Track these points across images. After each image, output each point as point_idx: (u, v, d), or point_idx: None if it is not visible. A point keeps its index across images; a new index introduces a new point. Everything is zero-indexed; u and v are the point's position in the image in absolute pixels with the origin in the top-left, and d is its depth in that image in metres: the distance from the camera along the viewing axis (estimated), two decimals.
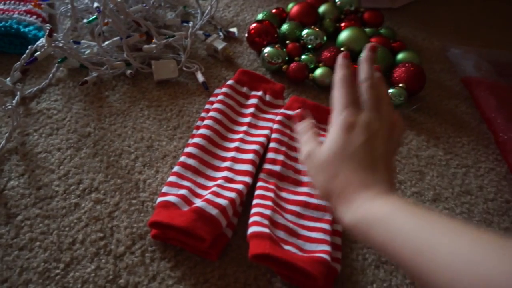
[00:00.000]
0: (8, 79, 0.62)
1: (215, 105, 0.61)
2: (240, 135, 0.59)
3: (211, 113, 0.60)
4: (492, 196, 0.61)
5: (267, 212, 0.48)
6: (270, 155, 0.56)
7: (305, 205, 0.51)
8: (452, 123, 0.72)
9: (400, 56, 0.77)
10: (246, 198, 0.52)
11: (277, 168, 0.55)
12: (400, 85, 0.70)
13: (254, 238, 0.45)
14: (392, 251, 0.32)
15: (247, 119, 0.61)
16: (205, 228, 0.44)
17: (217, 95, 0.64)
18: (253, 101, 0.64)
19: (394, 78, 0.72)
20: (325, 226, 0.49)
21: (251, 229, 0.46)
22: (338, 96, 0.41)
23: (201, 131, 0.57)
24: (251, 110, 0.63)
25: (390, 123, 0.41)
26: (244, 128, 0.60)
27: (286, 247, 0.45)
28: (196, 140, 0.56)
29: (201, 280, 0.45)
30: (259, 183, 0.53)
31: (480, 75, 0.81)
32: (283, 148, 0.57)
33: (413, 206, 0.33)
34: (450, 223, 0.30)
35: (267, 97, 0.65)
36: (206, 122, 0.58)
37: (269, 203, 0.50)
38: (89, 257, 0.45)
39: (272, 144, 0.58)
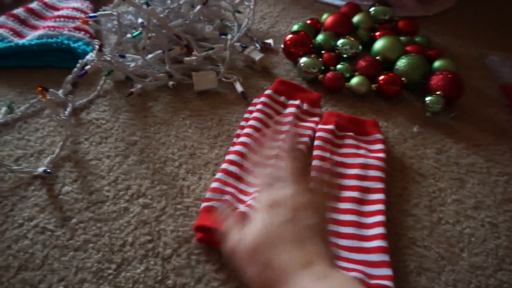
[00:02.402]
0: (60, 91, 0.66)
1: (254, 114, 0.63)
2: (279, 143, 0.60)
3: (251, 122, 0.61)
4: None
5: None
6: (313, 174, 0.56)
7: (358, 225, 0.52)
8: (492, 130, 0.71)
9: (436, 64, 0.77)
10: None
11: (324, 189, 0.55)
12: (438, 92, 0.70)
13: None
14: None
15: (285, 127, 0.63)
16: None
17: (255, 104, 0.66)
18: (291, 110, 0.66)
19: (432, 86, 0.72)
20: (383, 243, 0.49)
21: None
22: (260, 174, 0.41)
23: (242, 139, 0.59)
24: (289, 118, 0.64)
25: (314, 193, 0.39)
26: (283, 136, 0.61)
27: (351, 275, 0.45)
28: (237, 147, 0.57)
29: (245, 283, 0.46)
30: None
31: None
32: (327, 166, 0.58)
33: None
34: None
35: (305, 106, 0.67)
36: (246, 130, 0.60)
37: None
38: (139, 259, 0.47)
39: (315, 162, 0.58)
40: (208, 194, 0.52)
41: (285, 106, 0.67)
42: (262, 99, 0.66)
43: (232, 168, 0.55)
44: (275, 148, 0.59)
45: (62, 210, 0.51)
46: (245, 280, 0.36)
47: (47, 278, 0.45)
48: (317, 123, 0.65)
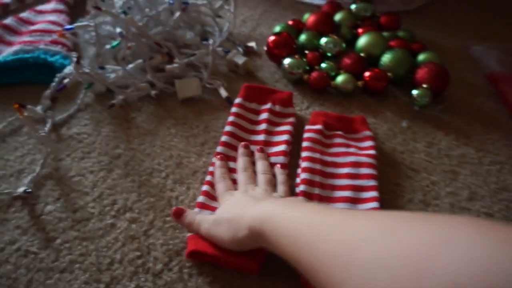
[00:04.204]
0: (39, 107, 0.64)
1: (227, 128, 0.61)
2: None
3: (223, 138, 0.60)
4: None
5: None
6: (304, 175, 0.55)
7: None
8: (480, 120, 0.71)
9: (421, 57, 0.77)
10: None
11: (316, 190, 0.54)
12: (424, 85, 0.69)
13: None
14: (281, 245, 0.37)
15: (261, 137, 0.61)
16: (251, 255, 0.45)
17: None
18: (264, 116, 0.64)
19: (417, 79, 0.71)
20: None
21: None
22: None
23: (215, 160, 0.57)
24: (263, 126, 0.62)
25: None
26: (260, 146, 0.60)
27: None
28: (212, 169, 0.56)
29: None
30: None
31: (504, 70, 0.80)
32: (317, 167, 0.56)
33: (300, 201, 0.41)
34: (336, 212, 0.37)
35: (277, 108, 0.65)
36: (219, 149, 0.58)
37: None
38: (128, 276, 0.45)
39: (304, 164, 0.56)
40: None
41: (257, 112, 0.65)
42: (234, 109, 0.64)
43: (213, 191, 0.53)
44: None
45: (46, 230, 0.49)
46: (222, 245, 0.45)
47: None
48: (292, 123, 0.63)
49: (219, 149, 0.58)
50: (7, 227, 0.49)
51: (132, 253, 0.48)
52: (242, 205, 0.46)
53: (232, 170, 0.56)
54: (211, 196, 0.53)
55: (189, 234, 0.48)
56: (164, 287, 0.45)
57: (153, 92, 0.68)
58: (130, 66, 0.69)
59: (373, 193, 0.53)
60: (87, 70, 0.63)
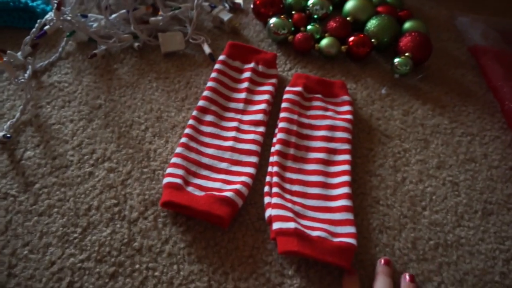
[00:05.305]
0: (19, 53, 0.63)
1: (209, 84, 0.62)
2: (238, 116, 0.59)
3: (205, 93, 0.60)
4: (497, 164, 0.61)
5: (289, 204, 0.49)
6: (280, 135, 0.57)
7: (324, 185, 0.53)
8: (458, 92, 0.72)
9: (407, 25, 0.77)
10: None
11: (291, 151, 0.56)
12: (406, 54, 0.70)
13: (280, 235, 0.46)
14: None
15: (242, 95, 0.62)
16: (223, 208, 0.46)
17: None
18: (246, 74, 0.65)
19: (400, 47, 0.72)
20: (347, 203, 0.50)
21: (276, 225, 0.46)
22: None
23: (195, 113, 0.58)
24: (245, 84, 0.63)
25: None
26: (240, 105, 0.61)
27: (315, 233, 0.46)
28: (191, 122, 0.57)
29: (211, 244, 0.47)
30: (275, 169, 0.53)
31: (487, 44, 0.80)
32: (294, 128, 0.58)
33: None
34: None
35: (260, 68, 0.66)
36: (201, 103, 0.59)
37: (288, 195, 0.51)
38: (105, 222, 0.47)
39: (282, 124, 0.58)
40: (169, 170, 0.50)
41: (240, 71, 0.66)
42: (217, 66, 0.64)
43: (193, 155, 0.54)
44: (233, 120, 0.59)
45: (25, 175, 0.50)
46: None
47: (11, 243, 0.45)
48: (274, 84, 0.64)
49: (201, 103, 0.59)
50: None
51: (109, 201, 0.49)
52: None
53: (210, 124, 0.57)
54: (189, 147, 0.54)
55: (165, 182, 0.49)
56: (139, 234, 0.47)
57: (136, 44, 0.68)
58: (114, 16, 0.68)
59: (346, 157, 0.55)
60: (68, 18, 0.62)
